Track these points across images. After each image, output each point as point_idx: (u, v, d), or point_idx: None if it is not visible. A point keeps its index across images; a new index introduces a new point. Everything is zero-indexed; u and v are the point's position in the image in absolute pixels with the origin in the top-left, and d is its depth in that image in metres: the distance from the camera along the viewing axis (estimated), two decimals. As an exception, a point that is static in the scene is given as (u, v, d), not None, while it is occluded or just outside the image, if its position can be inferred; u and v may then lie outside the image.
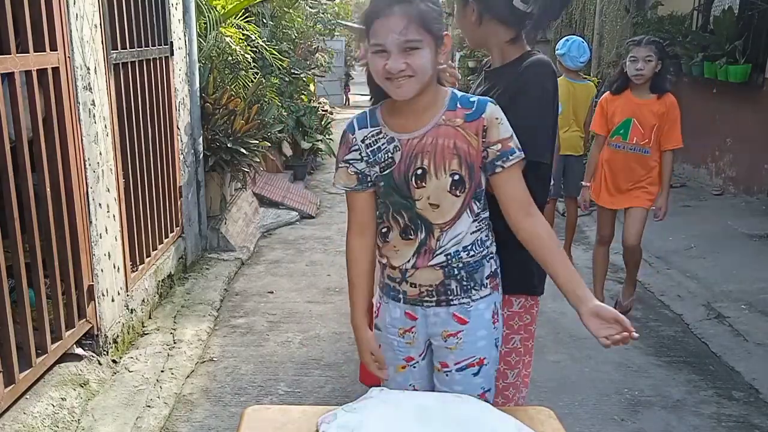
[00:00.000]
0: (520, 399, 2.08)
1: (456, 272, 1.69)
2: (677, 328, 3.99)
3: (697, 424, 2.97)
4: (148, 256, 3.88)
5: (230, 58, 5.58)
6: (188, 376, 3.28)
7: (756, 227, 5.55)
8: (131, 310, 3.57)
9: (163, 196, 4.15)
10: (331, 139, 8.75)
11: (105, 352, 3.21)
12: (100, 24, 3.18)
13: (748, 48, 6.29)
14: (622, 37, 8.44)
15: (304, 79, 8.52)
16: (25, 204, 2.62)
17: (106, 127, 3.26)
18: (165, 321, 3.81)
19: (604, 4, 8.73)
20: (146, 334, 3.64)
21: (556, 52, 4.85)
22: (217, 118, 5.01)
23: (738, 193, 6.66)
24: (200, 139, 4.87)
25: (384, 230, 1.74)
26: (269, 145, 5.99)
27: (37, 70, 2.67)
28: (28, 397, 2.64)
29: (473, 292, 1.72)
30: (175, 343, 3.55)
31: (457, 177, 1.61)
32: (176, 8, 4.42)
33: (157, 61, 4.04)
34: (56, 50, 2.78)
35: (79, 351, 3.04)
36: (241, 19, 5.99)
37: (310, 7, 9.13)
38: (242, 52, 5.64)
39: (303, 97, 8.57)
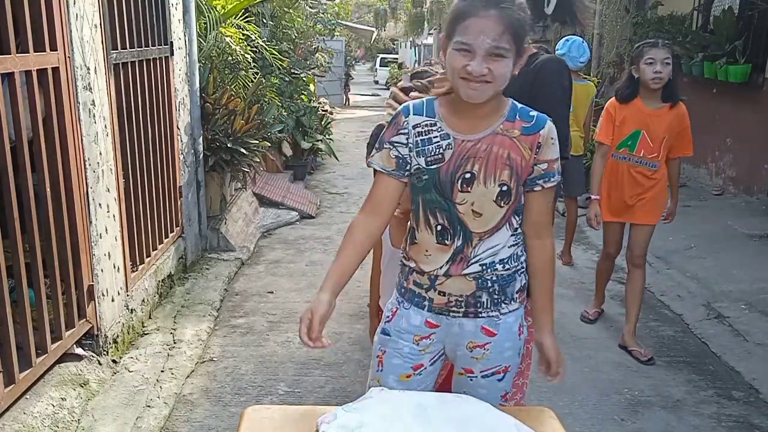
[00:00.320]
0: (521, 400, 2.10)
1: (489, 284, 1.68)
2: (677, 328, 3.99)
3: (697, 424, 2.97)
4: (148, 256, 3.88)
5: (230, 58, 5.58)
6: (188, 376, 3.28)
7: (756, 227, 5.55)
8: (131, 310, 3.57)
9: (163, 196, 4.15)
10: (330, 139, 8.75)
11: (105, 352, 3.21)
12: (100, 24, 3.18)
13: (748, 48, 6.29)
14: (622, 37, 8.45)
15: (304, 79, 8.53)
16: (25, 204, 2.62)
17: (106, 127, 3.26)
18: (165, 321, 3.81)
19: (604, 4, 8.73)
20: (146, 334, 3.64)
21: (556, 52, 4.85)
22: (217, 118, 5.01)
23: (738, 193, 6.66)
24: (200, 139, 4.87)
25: (412, 230, 1.71)
26: (269, 145, 5.99)
27: (37, 70, 2.67)
28: (28, 397, 2.64)
29: (503, 306, 1.72)
30: (175, 343, 3.55)
31: (505, 188, 1.61)
32: (176, 8, 4.42)
33: (157, 61, 4.04)
34: (56, 50, 2.78)
35: (79, 351, 3.04)
36: (241, 19, 5.99)
37: (310, 7, 9.14)
38: (242, 52, 5.64)
39: (303, 97, 8.57)
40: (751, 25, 6.34)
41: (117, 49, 3.41)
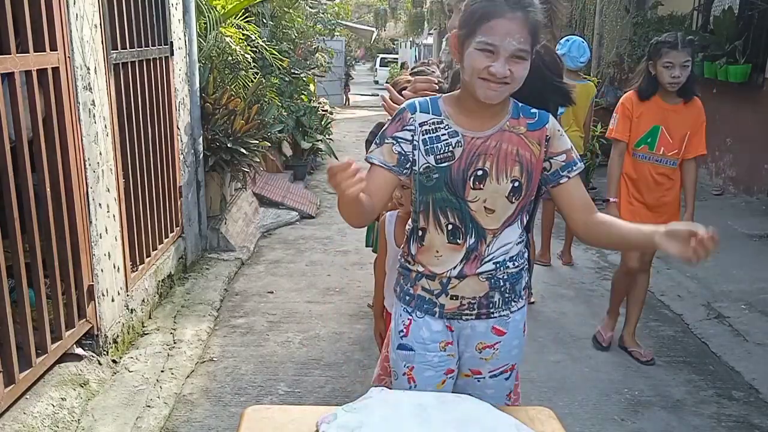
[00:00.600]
0: (517, 400, 2.10)
1: (501, 284, 1.67)
2: (677, 328, 3.99)
3: (697, 424, 2.97)
4: (148, 256, 3.88)
5: (230, 58, 5.58)
6: (188, 376, 3.28)
7: (756, 227, 5.55)
8: (131, 310, 3.57)
9: (163, 196, 4.15)
10: (331, 139, 8.75)
11: (105, 352, 3.21)
12: (100, 24, 3.18)
13: (748, 48, 6.29)
14: (622, 37, 8.45)
15: (304, 79, 8.53)
16: (25, 204, 2.62)
17: (106, 127, 3.26)
18: (165, 321, 3.81)
19: (604, 4, 8.74)
20: (146, 334, 3.64)
21: (557, 51, 4.85)
22: (217, 118, 5.01)
23: (738, 193, 6.67)
24: (200, 139, 4.87)
25: (420, 233, 1.67)
26: (269, 145, 5.99)
27: (37, 70, 2.67)
28: (28, 397, 2.64)
29: (512, 304, 1.72)
30: (175, 343, 3.55)
31: (517, 184, 1.60)
32: (176, 8, 4.42)
33: (157, 61, 4.04)
34: (56, 50, 2.77)
35: (79, 351, 3.04)
36: (241, 19, 5.99)
37: (310, 7, 9.14)
38: (242, 52, 5.63)
39: (303, 97, 8.57)
40: (751, 25, 6.34)
41: (117, 49, 3.41)
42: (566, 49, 4.74)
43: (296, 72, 8.10)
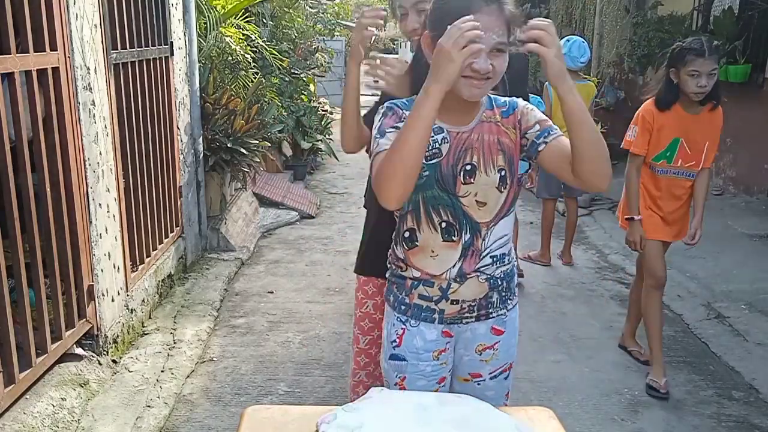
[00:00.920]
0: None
1: (499, 283, 1.67)
2: (677, 328, 3.99)
3: (697, 424, 2.97)
4: (148, 256, 3.88)
5: (230, 58, 5.58)
6: (188, 376, 3.28)
7: (756, 227, 5.55)
8: (131, 310, 3.57)
9: (163, 196, 4.15)
10: (331, 139, 8.75)
11: (105, 352, 3.21)
12: (100, 24, 3.18)
13: (748, 48, 6.29)
14: (622, 37, 8.45)
15: (304, 79, 8.52)
16: (25, 204, 2.62)
17: (106, 127, 3.26)
18: (165, 321, 3.81)
19: (604, 4, 8.73)
20: (146, 334, 3.64)
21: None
22: (217, 118, 5.01)
23: (738, 193, 6.67)
24: (200, 139, 4.87)
25: (407, 234, 1.63)
26: (269, 145, 5.98)
27: (37, 70, 2.67)
28: (28, 397, 2.64)
29: (509, 302, 1.72)
30: (175, 343, 3.55)
31: (503, 173, 1.60)
32: (176, 8, 4.42)
33: (157, 61, 4.04)
34: (56, 50, 2.77)
35: (79, 351, 3.04)
36: (241, 19, 5.99)
37: (310, 7, 9.14)
38: (242, 52, 5.64)
39: (303, 97, 8.56)
40: (751, 25, 6.34)
41: (117, 49, 3.41)
42: (566, 49, 4.75)
43: (296, 72, 8.10)
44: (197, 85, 4.80)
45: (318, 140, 8.42)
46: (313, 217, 6.54)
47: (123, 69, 3.51)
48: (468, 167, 1.58)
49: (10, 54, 2.49)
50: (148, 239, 3.89)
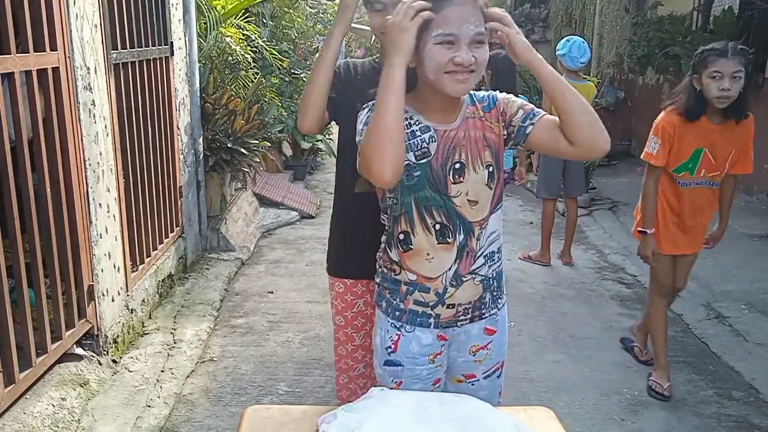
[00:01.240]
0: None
1: (491, 283, 1.67)
2: (677, 328, 3.99)
3: (697, 424, 2.97)
4: (148, 256, 3.88)
5: (230, 58, 5.58)
6: (188, 376, 3.28)
7: (756, 227, 5.55)
8: (131, 310, 3.57)
9: (163, 196, 4.15)
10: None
11: (105, 352, 3.21)
12: (100, 24, 3.19)
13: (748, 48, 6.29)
14: (622, 37, 8.45)
15: (304, 79, 8.50)
16: (25, 204, 2.63)
17: (106, 127, 3.26)
18: (165, 321, 3.81)
19: (604, 4, 8.74)
20: (146, 334, 3.64)
21: (557, 52, 4.85)
22: (217, 118, 5.01)
23: (738, 193, 6.66)
24: (200, 139, 4.87)
25: (401, 237, 1.61)
26: (269, 145, 5.98)
27: (37, 70, 2.67)
28: (28, 397, 2.64)
29: (499, 301, 1.73)
30: (175, 343, 3.55)
31: (491, 169, 1.60)
32: (176, 8, 4.42)
33: (157, 61, 4.04)
34: (56, 50, 2.78)
35: (79, 351, 3.04)
36: (241, 19, 5.99)
37: (310, 7, 9.13)
38: (242, 52, 5.63)
39: (303, 97, 8.55)
40: (751, 25, 6.34)
41: (117, 49, 3.41)
42: (567, 49, 4.74)
43: (296, 72, 8.09)
44: (197, 85, 4.80)
45: (318, 140, 8.41)
46: (313, 217, 6.54)
47: (123, 69, 3.51)
48: (457, 165, 1.57)
49: (10, 54, 2.49)
50: (148, 239, 3.89)
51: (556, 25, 9.81)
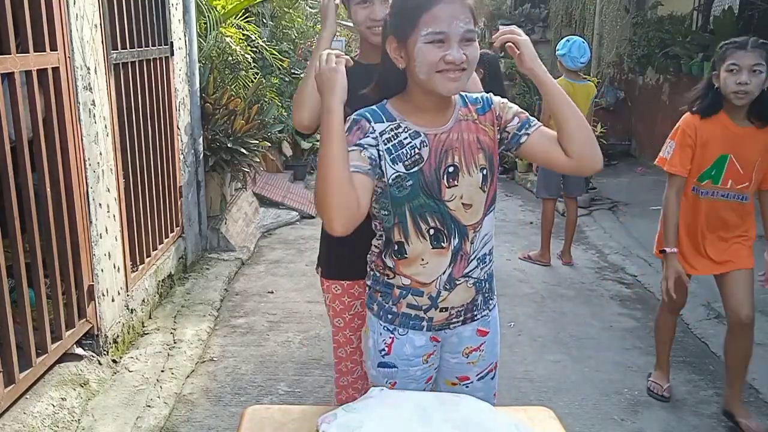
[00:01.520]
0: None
1: (483, 285, 1.67)
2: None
3: (697, 424, 2.97)
4: (148, 256, 3.88)
5: (230, 58, 5.58)
6: (188, 376, 3.28)
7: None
8: (131, 310, 3.57)
9: (163, 196, 4.15)
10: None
11: (105, 352, 3.21)
12: (100, 24, 3.19)
13: (748, 48, 6.29)
14: (622, 37, 8.46)
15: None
16: (25, 204, 2.63)
17: (106, 127, 3.26)
18: (165, 321, 3.81)
19: (603, 4, 8.74)
20: (146, 334, 3.64)
21: (557, 52, 4.85)
22: (217, 118, 5.01)
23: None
24: (200, 139, 4.87)
25: (395, 247, 1.60)
26: (269, 145, 5.98)
27: (37, 70, 2.67)
28: (28, 397, 2.64)
29: (490, 302, 1.72)
30: (175, 343, 3.56)
31: (485, 171, 1.58)
32: (176, 8, 4.42)
33: (157, 61, 4.04)
34: (56, 50, 2.78)
35: (79, 351, 3.04)
36: (241, 19, 5.99)
37: (310, 7, 9.13)
38: (242, 52, 5.64)
39: (303, 97, 8.55)
40: (751, 25, 6.33)
41: (117, 49, 3.42)
42: (566, 49, 4.75)
43: (296, 72, 8.09)
44: (197, 85, 4.80)
45: (318, 140, 8.41)
46: (313, 217, 6.53)
47: (123, 69, 3.51)
48: (451, 169, 1.55)
49: (10, 54, 2.49)
50: (149, 239, 3.89)
51: (556, 25, 9.81)
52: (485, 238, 1.63)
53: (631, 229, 5.95)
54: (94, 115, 3.12)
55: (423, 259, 1.59)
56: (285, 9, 8.07)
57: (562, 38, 5.04)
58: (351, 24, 2.11)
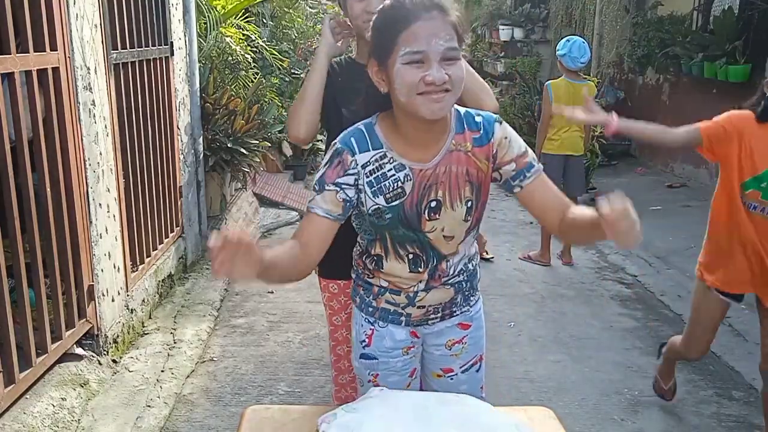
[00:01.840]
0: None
1: (463, 286, 1.67)
2: (677, 328, 3.98)
3: (697, 424, 2.97)
4: (148, 256, 3.88)
5: (230, 58, 5.58)
6: (188, 376, 3.28)
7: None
8: (131, 310, 3.57)
9: (163, 196, 4.15)
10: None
11: (105, 352, 3.21)
12: (100, 24, 3.18)
13: (748, 48, 6.29)
14: (622, 37, 8.45)
15: (304, 78, 8.52)
16: (25, 204, 2.63)
17: (106, 127, 3.26)
18: (165, 321, 3.81)
19: (604, 4, 8.74)
20: (146, 334, 3.64)
21: (557, 52, 4.85)
22: (217, 118, 5.00)
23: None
24: (200, 139, 4.87)
25: (375, 258, 1.61)
26: (269, 145, 5.98)
27: (37, 70, 2.67)
28: (28, 397, 2.64)
29: (471, 299, 1.73)
30: (175, 343, 3.55)
31: (470, 204, 1.53)
32: (176, 8, 4.42)
33: (157, 61, 4.04)
34: (56, 50, 2.77)
35: (79, 351, 3.04)
36: (241, 19, 5.99)
37: (310, 7, 9.13)
38: (242, 52, 5.63)
39: (303, 97, 8.55)
40: (751, 25, 6.33)
41: (117, 49, 3.41)
42: (567, 49, 4.75)
43: (296, 72, 8.09)
44: (197, 85, 4.80)
45: (318, 140, 8.40)
46: (313, 217, 6.53)
47: (123, 69, 3.51)
48: (433, 203, 1.49)
49: (10, 54, 2.49)
50: (148, 239, 3.89)
51: (556, 25, 9.81)
52: (466, 257, 1.63)
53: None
54: (94, 115, 3.12)
55: (400, 277, 1.60)
56: (285, 9, 8.06)
57: (562, 38, 5.03)
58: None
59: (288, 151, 8.02)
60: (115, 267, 3.36)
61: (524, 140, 1.60)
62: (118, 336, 3.36)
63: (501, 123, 1.53)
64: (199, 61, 4.90)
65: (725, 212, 2.48)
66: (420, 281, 1.61)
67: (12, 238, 2.55)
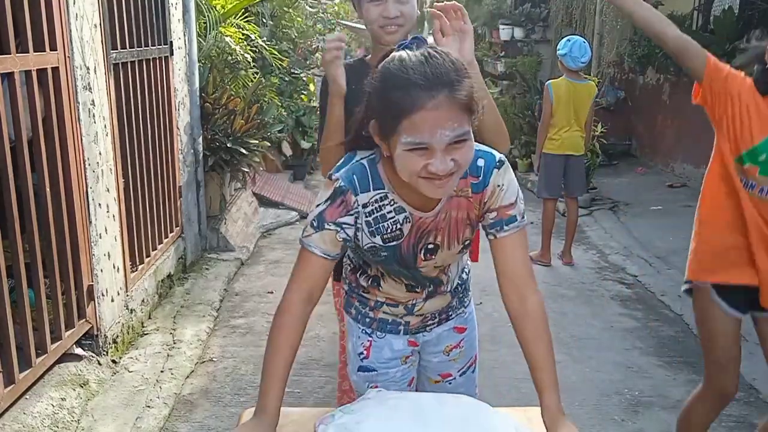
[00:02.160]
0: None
1: (459, 290, 1.69)
2: (677, 328, 3.99)
3: (697, 425, 2.96)
4: (148, 256, 3.88)
5: (230, 57, 5.58)
6: (188, 377, 3.27)
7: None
8: (131, 310, 3.56)
9: (162, 196, 4.15)
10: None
11: (105, 353, 3.20)
12: (100, 24, 3.18)
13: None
14: (622, 37, 8.44)
15: (304, 78, 8.51)
16: (25, 204, 2.62)
17: (105, 127, 3.26)
18: (165, 321, 3.81)
19: (604, 4, 8.72)
20: (146, 334, 3.64)
21: (558, 52, 4.85)
22: (216, 118, 5.00)
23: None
24: (200, 139, 4.87)
25: (371, 278, 1.61)
26: (269, 145, 5.98)
27: (37, 70, 2.67)
28: (28, 397, 2.64)
29: (465, 300, 1.75)
30: (174, 343, 3.55)
31: (467, 242, 1.53)
32: (176, 8, 4.42)
33: (157, 61, 4.04)
34: (56, 50, 2.77)
35: (78, 351, 3.04)
36: (240, 18, 5.99)
37: (310, 7, 9.13)
38: (242, 52, 5.63)
39: (303, 96, 8.55)
40: (751, 25, 6.33)
41: (117, 49, 3.41)
42: (567, 49, 4.74)
43: (296, 72, 8.09)
44: (197, 84, 4.80)
45: (317, 140, 8.40)
46: (313, 217, 6.53)
47: (123, 69, 3.51)
48: (430, 246, 1.48)
49: (10, 54, 2.49)
50: (148, 239, 3.89)
51: (556, 24, 9.79)
52: (459, 266, 1.65)
53: (632, 229, 5.94)
54: (94, 115, 3.12)
55: (397, 294, 1.61)
56: (285, 9, 8.06)
57: (562, 38, 5.03)
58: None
59: (288, 151, 8.02)
60: (114, 267, 3.36)
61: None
62: (117, 336, 3.36)
63: (500, 167, 1.43)
64: (199, 61, 4.90)
65: (723, 191, 2.14)
66: (419, 298, 1.63)
67: (12, 238, 2.55)
